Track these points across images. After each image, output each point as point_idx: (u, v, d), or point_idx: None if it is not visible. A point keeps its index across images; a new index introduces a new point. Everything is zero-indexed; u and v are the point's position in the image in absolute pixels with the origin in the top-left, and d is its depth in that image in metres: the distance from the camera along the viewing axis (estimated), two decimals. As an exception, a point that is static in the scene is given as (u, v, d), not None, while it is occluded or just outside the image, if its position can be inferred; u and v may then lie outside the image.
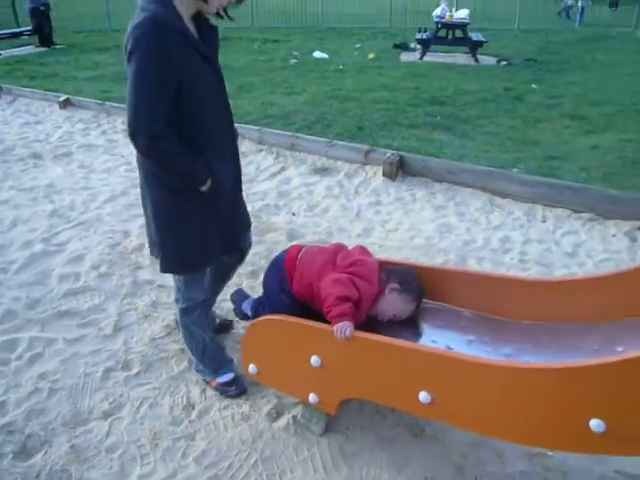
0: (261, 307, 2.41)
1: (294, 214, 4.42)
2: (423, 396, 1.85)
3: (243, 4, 2.18)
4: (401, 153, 5.14)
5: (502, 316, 2.23)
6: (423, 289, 2.26)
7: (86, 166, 5.52)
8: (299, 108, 7.47)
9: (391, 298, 2.19)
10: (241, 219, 2.49)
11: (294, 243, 3.18)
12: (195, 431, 2.36)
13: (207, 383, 2.59)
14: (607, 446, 1.61)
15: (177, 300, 2.46)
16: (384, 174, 5.05)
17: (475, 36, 12.37)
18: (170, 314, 3.06)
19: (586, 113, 7.45)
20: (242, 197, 2.48)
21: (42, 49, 13.77)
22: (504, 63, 11.68)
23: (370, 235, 4.08)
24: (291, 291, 2.30)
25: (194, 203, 2.17)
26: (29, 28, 14.31)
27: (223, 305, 3.15)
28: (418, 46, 12.74)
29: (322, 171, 5.28)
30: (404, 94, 8.38)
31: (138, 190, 2.31)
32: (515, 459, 2.20)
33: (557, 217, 4.29)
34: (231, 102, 2.26)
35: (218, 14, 2.11)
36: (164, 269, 2.31)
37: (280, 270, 2.34)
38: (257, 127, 6.17)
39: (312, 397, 2.17)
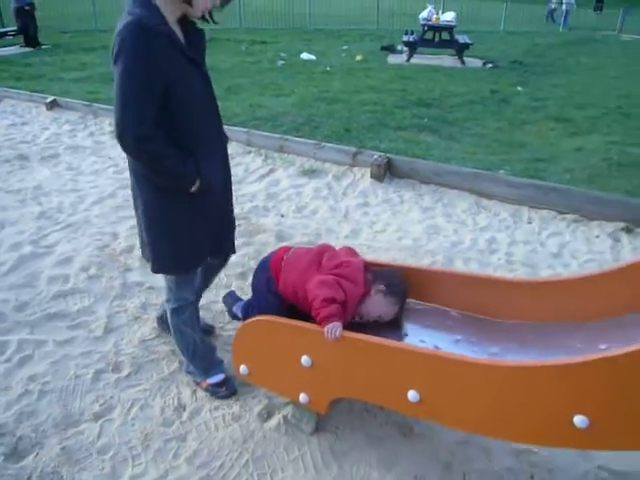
0: (250, 308, 2.43)
1: (283, 215, 4.45)
2: (412, 395, 1.88)
3: (228, 7, 2.21)
4: (389, 155, 5.18)
5: (489, 316, 2.27)
6: (407, 292, 2.29)
7: (74, 168, 5.50)
8: (287, 110, 7.50)
9: (377, 299, 2.21)
10: (230, 221, 2.52)
11: (283, 244, 3.20)
12: (186, 432, 2.38)
13: (197, 384, 2.61)
14: (591, 441, 1.66)
15: (168, 300, 2.47)
16: (372, 176, 5.09)
17: (461, 38, 12.48)
18: (159, 316, 3.07)
19: (571, 116, 7.55)
20: (232, 199, 2.50)
21: (27, 49, 13.68)
22: (490, 65, 11.80)
23: (358, 236, 4.11)
24: (278, 292, 2.31)
25: (184, 204, 2.19)
26: (14, 28, 14.22)
27: (214, 307, 3.18)
28: (405, 48, 12.83)
29: (310, 173, 5.31)
30: (391, 96, 8.45)
31: (126, 192, 2.34)
32: (502, 456, 2.24)
33: (542, 218, 4.36)
34: (219, 104, 2.28)
35: (204, 18, 2.14)
36: (156, 270, 2.32)
37: (267, 271, 2.36)
38: (245, 129, 6.19)
39: (302, 397, 2.20)
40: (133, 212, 2.38)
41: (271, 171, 5.42)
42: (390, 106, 7.77)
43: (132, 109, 1.91)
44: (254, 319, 2.23)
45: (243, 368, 2.32)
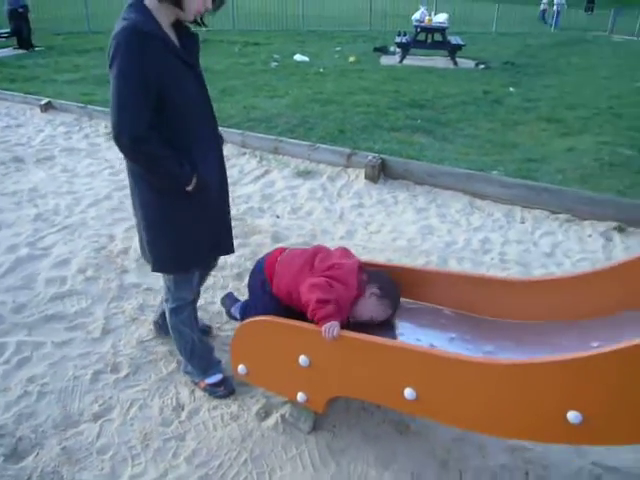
0: (248, 309, 2.47)
1: (278, 217, 4.47)
2: (408, 393, 1.92)
3: (220, 11, 2.24)
4: (383, 156, 5.22)
5: (483, 315, 2.31)
6: (400, 295, 2.32)
7: (69, 170, 5.51)
8: (281, 111, 7.52)
9: (370, 302, 2.23)
10: (228, 221, 2.54)
11: (279, 245, 3.23)
12: (185, 431, 2.40)
13: (196, 384, 2.63)
14: (584, 436, 1.69)
15: (167, 300, 2.50)
16: (366, 177, 5.13)
17: (454, 40, 12.55)
18: (157, 317, 3.09)
19: (562, 116, 7.62)
20: (228, 200, 2.52)
21: (21, 51, 13.66)
22: (482, 66, 11.86)
23: (353, 237, 4.14)
24: (273, 294, 2.34)
25: (183, 204, 2.22)
26: (7, 30, 14.18)
27: (211, 308, 3.20)
28: (398, 49, 12.89)
29: (305, 174, 5.34)
30: (385, 97, 8.49)
31: (122, 194, 2.36)
32: (497, 453, 2.28)
33: (535, 218, 4.40)
34: (214, 105, 2.31)
35: (196, 21, 2.18)
36: (157, 269, 2.35)
37: (261, 273, 2.38)
38: (240, 131, 6.21)
39: (300, 396, 2.23)
40: (129, 214, 2.40)
41: (266, 172, 5.44)
42: (383, 107, 7.82)
43: (128, 110, 1.95)
44: (252, 319, 2.26)
45: (241, 368, 2.35)
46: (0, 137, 6.59)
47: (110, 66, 1.97)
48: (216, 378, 2.59)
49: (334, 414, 2.44)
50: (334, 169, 5.38)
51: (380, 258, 3.72)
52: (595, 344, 1.91)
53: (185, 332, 2.51)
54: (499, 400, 1.79)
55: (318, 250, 2.36)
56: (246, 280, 2.64)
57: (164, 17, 2.05)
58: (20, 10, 13.35)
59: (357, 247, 3.86)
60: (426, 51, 12.95)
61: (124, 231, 4.07)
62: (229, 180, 2.51)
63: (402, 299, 2.36)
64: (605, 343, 1.84)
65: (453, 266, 3.70)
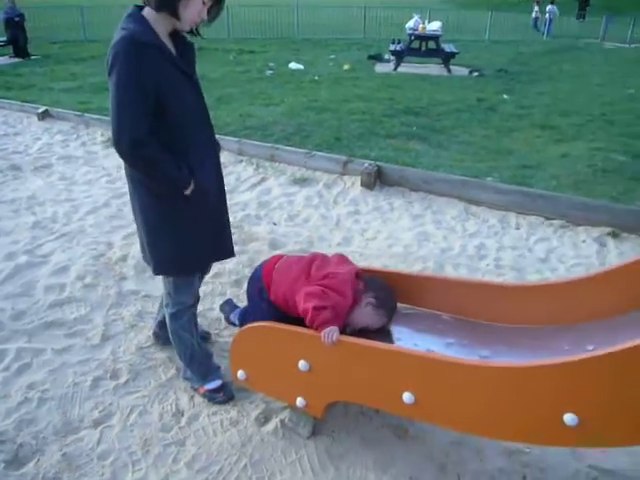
0: (246, 316, 2.49)
1: (275, 224, 4.50)
2: (407, 397, 1.94)
3: (215, 22, 2.29)
4: (379, 163, 5.26)
5: (479, 319, 2.33)
6: (395, 304, 2.35)
7: (67, 178, 5.53)
8: (277, 119, 7.57)
9: (366, 311, 2.25)
10: (227, 226, 2.55)
11: (276, 252, 3.25)
12: (185, 437, 2.41)
13: (195, 390, 2.64)
14: (581, 439, 1.72)
15: (167, 305, 2.51)
16: (362, 184, 5.16)
17: (447, 47, 12.64)
18: (156, 324, 3.11)
19: (556, 123, 7.68)
20: (227, 205, 2.54)
21: (17, 60, 13.70)
22: (476, 74, 11.95)
23: (350, 244, 4.17)
24: (271, 301, 2.36)
25: (182, 207, 2.25)
26: (4, 39, 14.23)
27: (209, 315, 3.22)
28: (392, 57, 12.98)
29: (301, 181, 5.37)
30: (379, 105, 8.54)
31: (120, 201, 2.38)
32: (494, 456, 2.30)
33: (530, 224, 4.44)
34: (210, 113, 2.35)
35: (192, 31, 2.23)
36: (158, 271, 2.37)
37: (259, 281, 2.41)
38: (236, 138, 6.25)
39: (299, 401, 2.25)
40: (127, 221, 2.43)
41: (262, 180, 5.48)
42: (379, 115, 7.87)
43: (127, 116, 2.00)
44: (251, 325, 2.28)
45: (241, 373, 2.37)
46: (-3, 145, 6.61)
47: (109, 74, 2.02)
48: (215, 384, 2.60)
49: (333, 419, 2.46)
50: (330, 176, 5.42)
51: (376, 264, 3.75)
52: (590, 347, 1.94)
53: (185, 337, 2.53)
54: (496, 403, 1.82)
55: (314, 258, 2.38)
56: (244, 287, 2.67)
57: (162, 27, 2.10)
58: (16, 19, 13.43)
59: (354, 254, 3.89)
60: (420, 59, 13.04)
61: (122, 238, 4.09)
62: (226, 188, 2.54)
63: (399, 305, 2.39)
64: (600, 346, 1.86)
65: (449, 272, 3.73)
